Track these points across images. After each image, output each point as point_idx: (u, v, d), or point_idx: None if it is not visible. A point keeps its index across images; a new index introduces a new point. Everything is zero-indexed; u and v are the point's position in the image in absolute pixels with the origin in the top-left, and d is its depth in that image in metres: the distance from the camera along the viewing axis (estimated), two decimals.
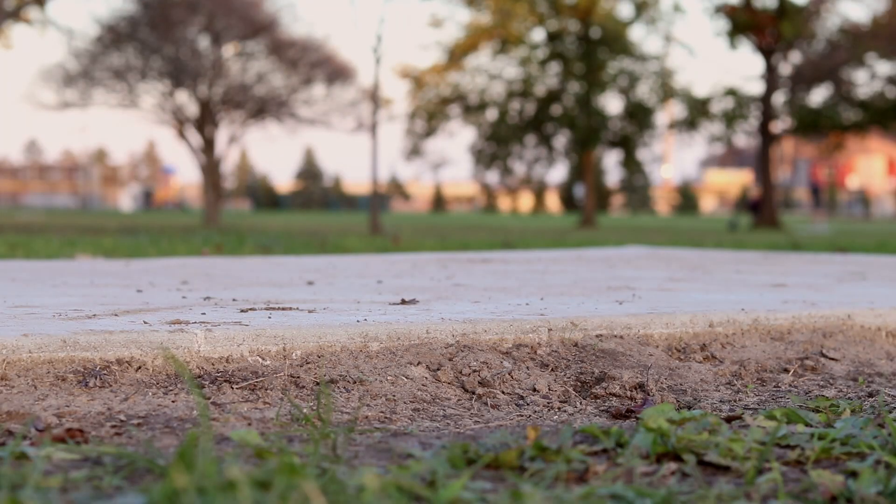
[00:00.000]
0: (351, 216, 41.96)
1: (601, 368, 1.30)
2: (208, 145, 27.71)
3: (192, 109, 27.67)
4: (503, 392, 1.23)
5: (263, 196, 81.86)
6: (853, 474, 0.88)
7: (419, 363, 1.26)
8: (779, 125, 30.18)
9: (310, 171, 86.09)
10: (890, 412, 1.15)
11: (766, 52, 28.98)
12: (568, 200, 69.19)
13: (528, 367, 1.29)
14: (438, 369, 1.26)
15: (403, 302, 1.59)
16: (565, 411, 1.19)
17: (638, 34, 44.85)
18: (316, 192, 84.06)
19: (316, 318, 1.37)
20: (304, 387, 1.18)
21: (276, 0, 32.68)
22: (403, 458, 0.93)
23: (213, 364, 1.20)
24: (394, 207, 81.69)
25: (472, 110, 31.23)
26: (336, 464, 0.87)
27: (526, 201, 78.71)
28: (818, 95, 30.03)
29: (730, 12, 28.32)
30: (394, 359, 1.26)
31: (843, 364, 1.43)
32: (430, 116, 31.26)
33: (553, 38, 30.21)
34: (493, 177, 36.64)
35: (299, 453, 0.92)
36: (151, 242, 5.80)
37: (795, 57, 30.49)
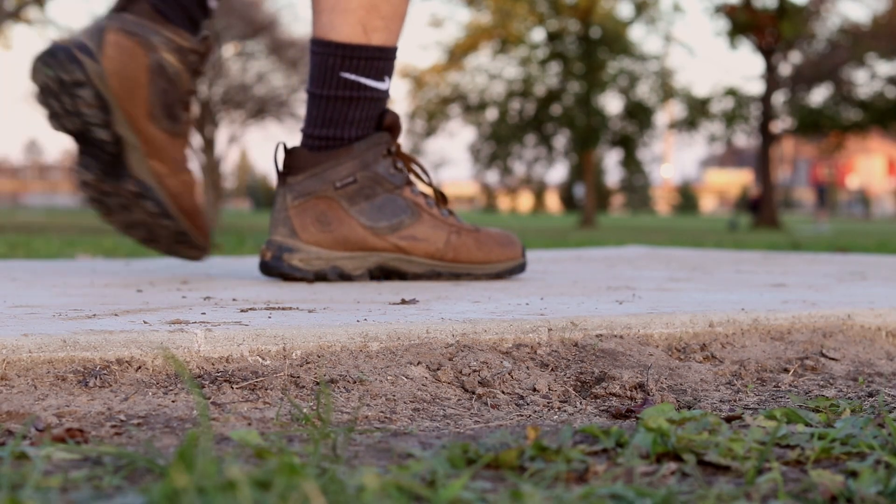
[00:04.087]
0: None
1: (601, 368, 1.30)
2: (208, 145, 27.74)
3: (192, 109, 27.69)
4: (503, 392, 1.23)
5: (263, 196, 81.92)
6: (853, 474, 0.88)
7: (419, 363, 1.26)
8: (779, 125, 30.21)
9: None
10: (890, 412, 1.15)
11: (766, 52, 29.01)
12: (568, 200, 69.26)
13: (528, 367, 1.29)
14: (438, 369, 1.25)
15: (403, 302, 1.59)
16: (565, 411, 1.19)
17: (638, 34, 44.92)
18: None
19: (316, 317, 1.37)
20: (304, 386, 1.18)
21: (276, 0, 32.70)
22: (403, 458, 0.93)
23: (213, 364, 1.20)
24: None
25: (472, 110, 31.27)
26: (336, 464, 0.87)
27: (526, 201, 78.79)
28: (818, 95, 30.07)
29: (730, 12, 28.35)
30: (394, 359, 1.26)
31: (843, 364, 1.43)
32: (430, 116, 31.31)
33: (553, 38, 30.24)
34: (493, 177, 36.69)
35: (299, 453, 0.92)
36: None
37: (795, 57, 30.52)
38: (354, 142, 2.05)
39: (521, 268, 2.14)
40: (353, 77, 2.03)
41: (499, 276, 2.11)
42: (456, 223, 2.10)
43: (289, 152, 2.05)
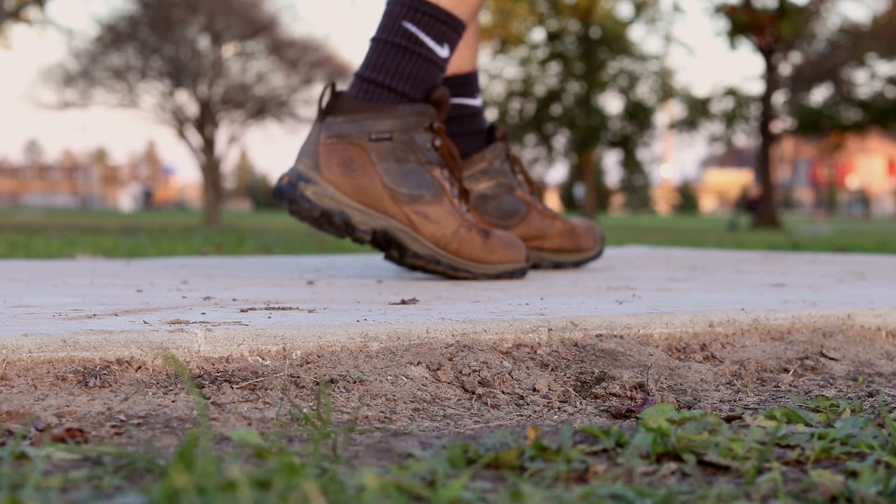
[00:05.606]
0: None
1: (601, 368, 1.30)
2: (208, 145, 27.73)
3: (192, 109, 27.69)
4: (503, 392, 1.23)
5: (263, 196, 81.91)
6: (853, 474, 0.88)
7: (419, 363, 1.26)
8: (779, 125, 30.20)
9: None
10: (890, 412, 1.15)
11: (766, 52, 29.00)
12: (568, 200, 69.22)
13: (528, 367, 1.29)
14: (438, 369, 1.25)
15: (403, 302, 1.59)
16: (565, 411, 1.19)
17: (638, 34, 44.91)
18: None
19: (316, 317, 1.37)
20: (304, 386, 1.18)
21: (276, 0, 32.71)
22: (403, 458, 0.93)
23: (213, 364, 1.20)
24: None
25: None
26: (336, 464, 0.87)
27: None
28: (818, 95, 30.06)
29: (730, 12, 28.33)
30: (394, 359, 1.26)
31: (843, 364, 1.43)
32: None
33: (553, 37, 30.23)
34: None
35: (299, 453, 0.92)
36: (151, 242, 5.80)
37: (795, 57, 30.51)
38: (399, 99, 2.07)
39: (521, 272, 2.14)
40: (413, 28, 2.06)
41: (498, 277, 2.12)
42: (470, 220, 2.11)
43: (335, 94, 2.07)
